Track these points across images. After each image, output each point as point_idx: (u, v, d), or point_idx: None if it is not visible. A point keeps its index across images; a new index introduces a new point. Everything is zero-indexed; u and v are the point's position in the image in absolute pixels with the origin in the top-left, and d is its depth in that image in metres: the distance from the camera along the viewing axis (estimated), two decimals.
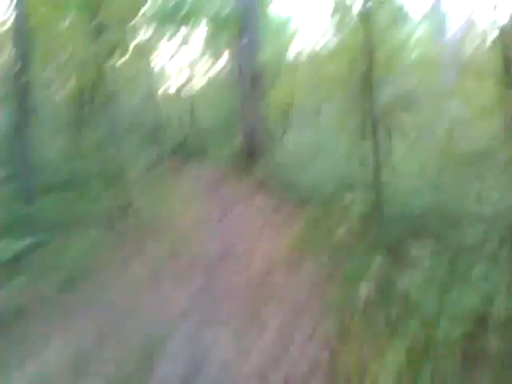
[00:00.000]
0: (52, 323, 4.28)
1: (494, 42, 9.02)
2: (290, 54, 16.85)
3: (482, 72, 11.71)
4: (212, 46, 21.60)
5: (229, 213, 8.04)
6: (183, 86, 21.17)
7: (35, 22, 7.36)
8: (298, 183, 8.73)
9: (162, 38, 22.83)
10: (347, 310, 4.13)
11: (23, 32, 6.85)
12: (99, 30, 11.33)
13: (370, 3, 10.73)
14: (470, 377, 3.17)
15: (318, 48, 17.65)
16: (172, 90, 23.71)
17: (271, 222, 7.21)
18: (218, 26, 16.98)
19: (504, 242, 4.87)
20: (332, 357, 3.57)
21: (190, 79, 19.48)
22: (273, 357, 3.62)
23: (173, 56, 23.59)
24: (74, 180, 7.74)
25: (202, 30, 19.97)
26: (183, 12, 16.73)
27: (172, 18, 16.92)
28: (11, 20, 7.42)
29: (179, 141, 17.89)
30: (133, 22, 13.92)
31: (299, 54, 14.87)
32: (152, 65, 22.76)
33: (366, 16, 11.56)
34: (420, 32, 14.75)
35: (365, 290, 4.26)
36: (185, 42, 20.45)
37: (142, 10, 13.85)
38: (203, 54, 24.64)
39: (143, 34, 14.97)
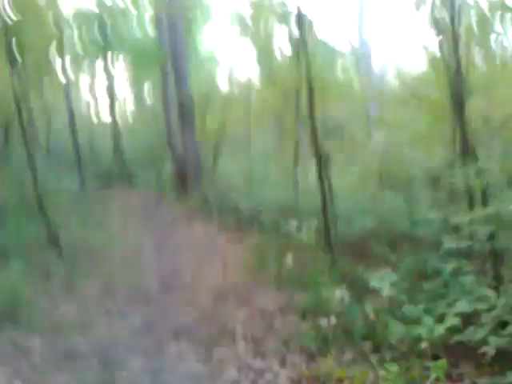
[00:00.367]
0: None
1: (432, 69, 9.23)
2: (220, 84, 16.71)
3: (406, 101, 12.12)
4: (137, 75, 21.00)
5: (166, 241, 7.40)
6: (106, 114, 20.34)
7: None
8: (235, 209, 8.34)
9: (82, 68, 21.95)
10: (309, 348, 3.71)
11: None
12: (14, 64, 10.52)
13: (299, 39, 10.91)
14: None
15: (247, 79, 17.77)
16: (94, 119, 22.72)
17: (213, 249, 6.66)
18: (143, 55, 16.39)
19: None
20: None
21: (113, 108, 18.63)
22: None
23: (94, 86, 22.71)
24: None
25: (125, 60, 19.31)
26: (104, 42, 15.86)
27: (92, 48, 16.11)
28: None
29: (103, 168, 16.99)
30: (50, 54, 13.20)
31: (229, 84, 14.76)
32: (73, 95, 21.77)
33: (295, 51, 11.70)
34: (346, 64, 15.21)
35: (326, 324, 3.88)
36: (108, 71, 19.64)
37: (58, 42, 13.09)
38: (127, 83, 23.94)
39: (62, 66, 14.12)
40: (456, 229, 5.12)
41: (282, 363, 3.57)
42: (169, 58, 12.37)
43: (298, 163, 10.74)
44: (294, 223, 6.27)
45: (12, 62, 9.18)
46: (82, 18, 15.05)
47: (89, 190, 12.09)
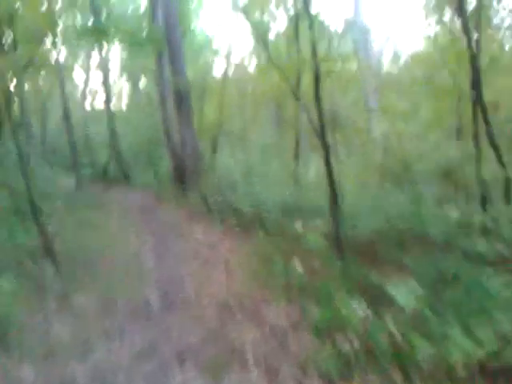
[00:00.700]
0: None
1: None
2: (216, 74, 16.17)
3: (405, 87, 11.59)
4: (132, 65, 20.42)
5: (167, 246, 6.97)
6: (102, 107, 19.79)
7: None
8: (236, 209, 7.93)
9: (77, 57, 21.37)
10: (329, 373, 3.33)
11: None
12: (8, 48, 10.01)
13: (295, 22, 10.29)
14: None
15: (243, 67, 17.24)
16: (91, 112, 22.20)
17: (215, 255, 6.25)
18: (138, 44, 15.83)
19: None
20: None
21: (109, 100, 18.10)
22: None
23: (90, 76, 22.19)
24: None
25: (120, 50, 18.75)
26: (99, 31, 15.29)
27: (88, 37, 15.51)
28: None
29: (100, 165, 16.53)
30: (46, 41, 12.57)
31: (225, 73, 14.21)
32: (67, 85, 21.21)
33: (292, 34, 11.12)
34: (342, 46, 14.60)
35: (347, 345, 3.50)
36: (103, 61, 19.07)
37: (56, 29, 12.54)
38: (122, 74, 23.40)
39: (57, 54, 13.56)
40: (484, 230, 4.76)
41: None
42: (165, 45, 11.81)
43: (298, 157, 10.33)
44: (299, 224, 5.88)
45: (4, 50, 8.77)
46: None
47: (85, 191, 11.68)
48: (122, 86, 26.05)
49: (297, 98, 7.61)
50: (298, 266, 4.87)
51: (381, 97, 13.13)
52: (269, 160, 10.52)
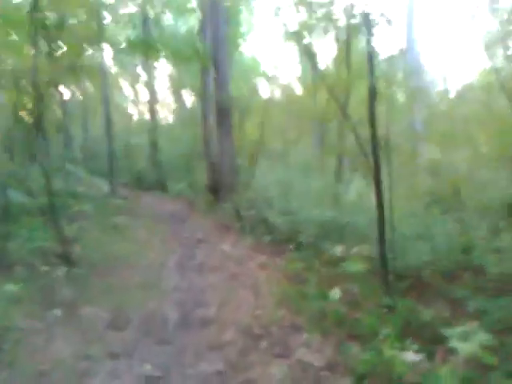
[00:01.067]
0: None
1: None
2: (261, 93, 15.81)
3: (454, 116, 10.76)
4: (179, 79, 20.34)
5: (192, 260, 6.33)
6: (146, 118, 19.73)
7: None
8: (271, 225, 7.27)
9: (125, 68, 21.50)
10: None
11: None
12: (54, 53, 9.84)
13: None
14: None
15: (288, 89, 16.79)
16: (136, 122, 22.22)
17: (244, 274, 5.55)
18: (185, 60, 15.63)
19: None
20: None
21: (153, 112, 17.96)
22: None
23: (137, 88, 22.27)
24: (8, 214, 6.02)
25: (168, 63, 18.65)
26: (148, 44, 15.18)
27: (136, 49, 15.40)
28: None
29: (138, 173, 16.28)
30: (93, 49, 12.42)
31: (270, 93, 13.81)
32: (116, 95, 21.34)
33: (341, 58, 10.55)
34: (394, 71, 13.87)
35: None
36: (151, 76, 19.04)
37: (103, 38, 12.38)
38: (169, 87, 23.41)
39: (104, 62, 13.42)
40: None
41: None
42: (210, 62, 11.52)
43: (340, 177, 9.61)
44: (339, 247, 5.16)
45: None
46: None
47: (119, 196, 11.30)
48: (168, 101, 26.17)
49: (345, 116, 7.02)
50: (336, 293, 4.14)
51: (429, 125, 12.37)
52: (309, 179, 9.85)
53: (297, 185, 9.55)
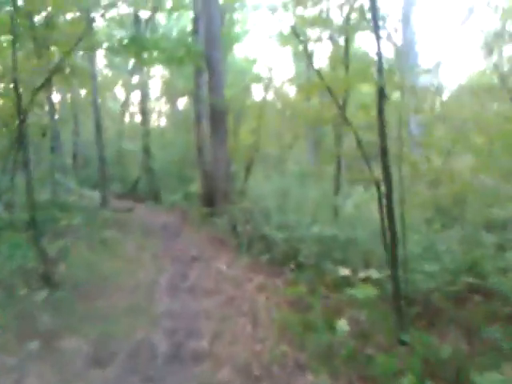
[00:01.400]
0: None
1: None
2: (254, 96, 15.38)
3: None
4: (172, 84, 19.85)
5: (185, 281, 5.83)
6: (138, 122, 19.22)
7: None
8: (268, 241, 6.82)
9: (117, 71, 20.97)
10: None
11: None
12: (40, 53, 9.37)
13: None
14: None
15: (283, 93, 16.39)
16: (128, 127, 21.67)
17: (240, 298, 5.07)
18: (177, 61, 15.15)
19: None
20: None
21: (145, 117, 17.46)
22: None
23: (128, 92, 21.70)
24: None
25: (160, 65, 18.15)
26: (138, 44, 14.64)
27: (126, 49, 14.86)
28: None
29: (131, 182, 15.74)
30: (82, 50, 11.93)
31: (264, 96, 13.34)
32: (105, 98, 20.79)
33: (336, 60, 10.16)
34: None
35: None
36: (143, 79, 18.53)
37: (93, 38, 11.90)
38: (162, 93, 22.92)
39: (94, 64, 12.97)
40: None
41: None
42: (204, 64, 11.04)
43: (339, 187, 9.17)
44: (344, 271, 4.72)
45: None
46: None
47: (110, 207, 10.78)
48: (161, 104, 25.63)
49: (344, 119, 6.56)
50: (343, 325, 3.70)
51: (426, 130, 11.97)
52: (306, 188, 9.41)
53: (294, 194, 9.11)
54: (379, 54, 4.38)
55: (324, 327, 3.86)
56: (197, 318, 4.50)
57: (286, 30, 14.22)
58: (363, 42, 15.34)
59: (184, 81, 16.67)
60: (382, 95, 4.20)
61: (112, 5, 9.65)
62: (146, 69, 17.99)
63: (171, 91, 21.33)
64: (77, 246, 6.28)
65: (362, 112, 8.85)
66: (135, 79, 20.14)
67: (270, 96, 14.72)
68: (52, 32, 8.86)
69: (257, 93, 16.40)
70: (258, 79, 15.79)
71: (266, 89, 14.00)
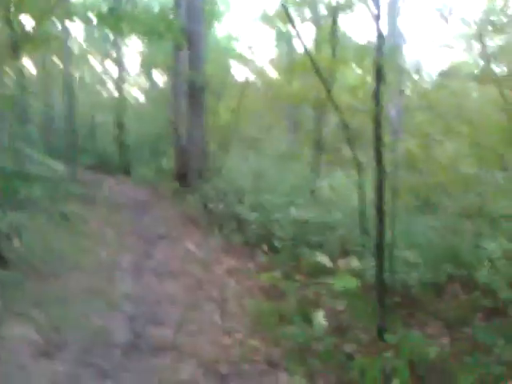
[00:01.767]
0: None
1: None
2: (235, 75, 14.80)
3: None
4: (150, 56, 18.99)
5: (151, 261, 5.36)
6: (113, 97, 18.36)
7: None
8: (242, 221, 6.40)
9: (94, 43, 20.02)
10: None
11: None
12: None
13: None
14: None
15: (263, 72, 15.84)
16: (103, 100, 20.79)
17: (209, 282, 4.65)
18: (157, 35, 14.36)
19: None
20: None
21: (121, 90, 16.67)
22: None
23: (104, 64, 20.81)
24: None
25: (138, 40, 17.30)
26: (117, 17, 13.79)
27: (104, 22, 14.00)
28: None
29: (102, 155, 15.04)
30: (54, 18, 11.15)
31: (246, 76, 12.82)
32: (82, 71, 19.86)
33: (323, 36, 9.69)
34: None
35: None
36: (120, 51, 17.68)
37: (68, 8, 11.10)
38: (139, 65, 22.06)
39: (68, 35, 12.16)
40: None
41: None
42: (184, 39, 10.41)
43: (318, 169, 8.80)
44: (322, 257, 4.33)
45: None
46: None
47: (78, 180, 10.14)
48: (139, 79, 24.73)
49: (332, 102, 6.15)
50: (321, 319, 3.31)
51: (407, 117, 11.69)
52: (283, 169, 9.00)
53: (270, 176, 8.70)
54: (379, 31, 3.97)
55: (300, 319, 3.47)
56: (160, 304, 4.05)
57: (271, 11, 13.82)
58: (346, 26, 14.98)
59: (163, 55, 15.91)
60: (379, 76, 3.79)
61: None
62: (124, 42, 17.18)
63: (149, 65, 20.49)
64: (35, 221, 5.72)
65: (350, 94, 8.50)
66: (113, 53, 19.26)
67: (251, 76, 14.19)
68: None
69: (238, 72, 15.81)
70: (239, 57, 15.22)
71: (248, 68, 13.51)
